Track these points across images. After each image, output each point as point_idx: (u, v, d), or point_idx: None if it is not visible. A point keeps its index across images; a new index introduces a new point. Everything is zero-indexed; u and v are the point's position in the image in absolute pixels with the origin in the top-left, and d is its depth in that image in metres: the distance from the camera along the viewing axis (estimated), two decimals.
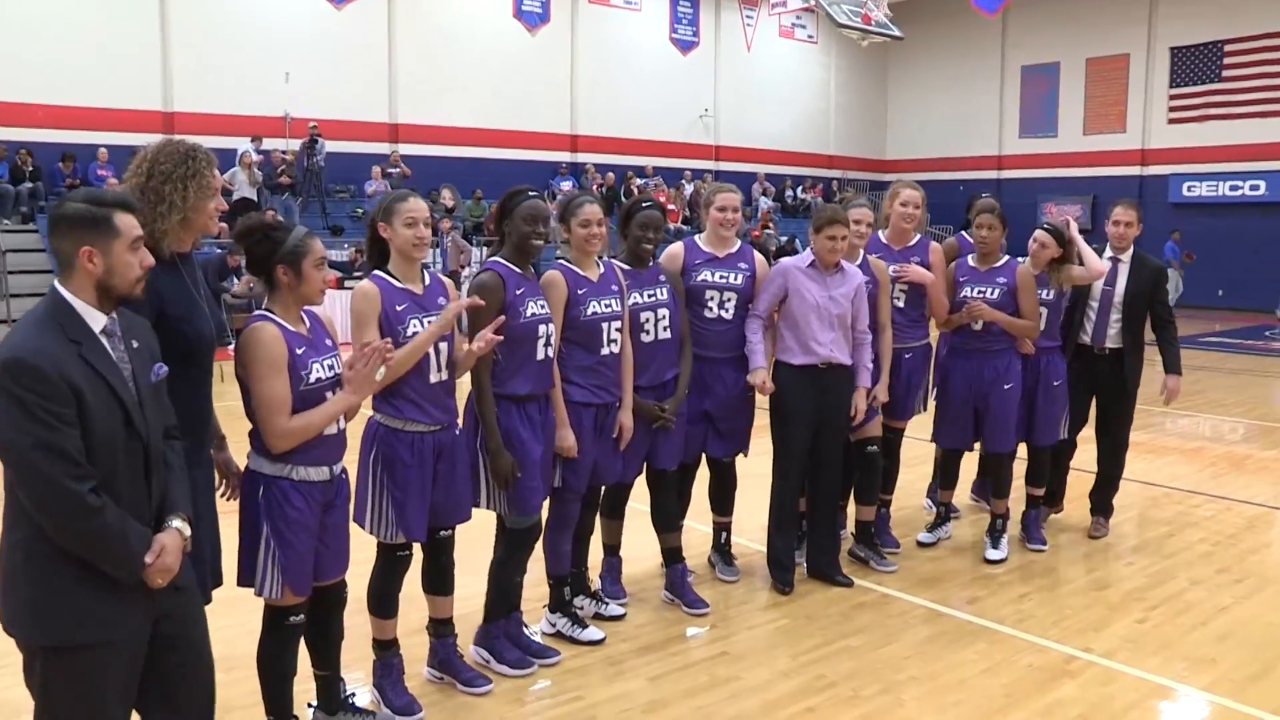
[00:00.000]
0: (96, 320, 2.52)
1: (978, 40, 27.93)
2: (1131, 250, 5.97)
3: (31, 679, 2.55)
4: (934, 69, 29.43)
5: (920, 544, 6.05)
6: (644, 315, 4.73)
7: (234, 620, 3.80)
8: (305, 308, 3.41)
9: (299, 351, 3.26)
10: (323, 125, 18.87)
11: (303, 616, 3.44)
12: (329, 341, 3.45)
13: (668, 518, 5.12)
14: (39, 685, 2.53)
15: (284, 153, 18.68)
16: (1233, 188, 24.06)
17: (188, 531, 2.68)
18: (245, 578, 3.33)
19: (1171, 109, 25.21)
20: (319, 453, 3.33)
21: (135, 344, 2.62)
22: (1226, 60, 24.15)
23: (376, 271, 3.79)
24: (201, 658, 2.79)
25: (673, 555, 5.16)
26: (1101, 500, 6.32)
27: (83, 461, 2.40)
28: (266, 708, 3.51)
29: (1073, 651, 4.60)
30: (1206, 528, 6.50)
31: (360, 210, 18.94)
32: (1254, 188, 23.75)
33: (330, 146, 19.02)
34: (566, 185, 21.83)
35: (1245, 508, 7.08)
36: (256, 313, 3.35)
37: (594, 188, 21.91)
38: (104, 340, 2.53)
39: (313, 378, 3.28)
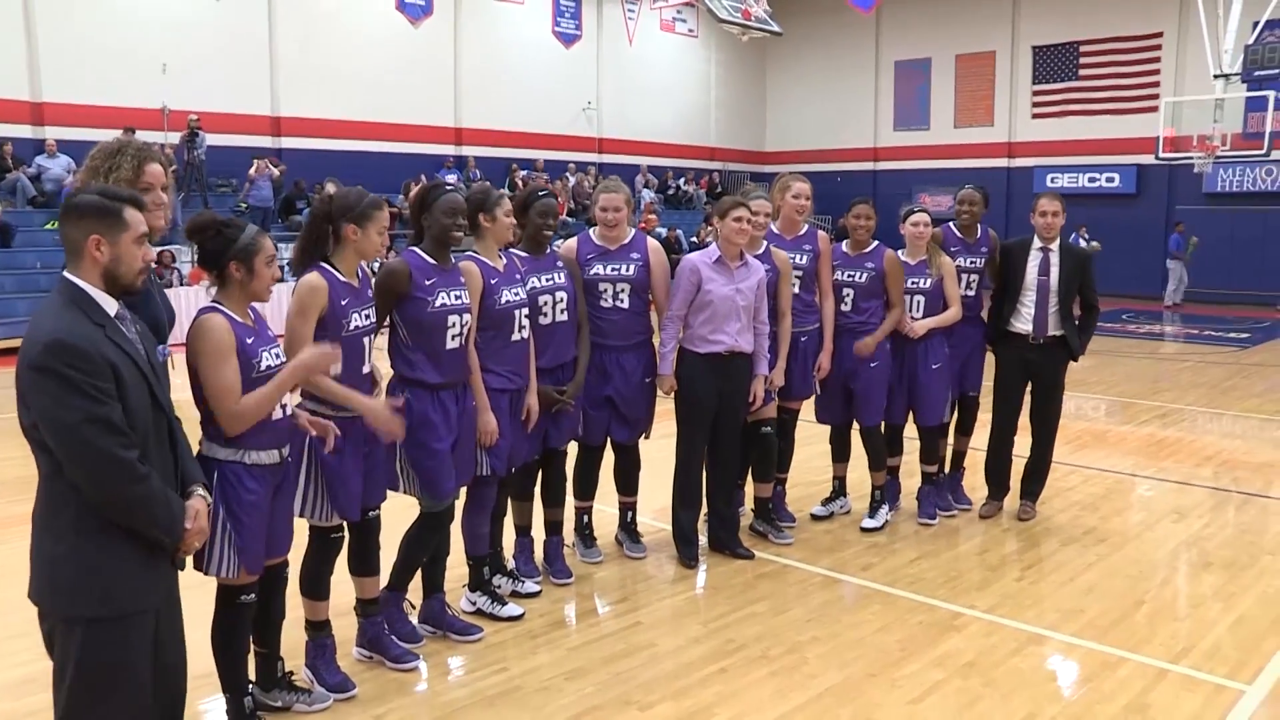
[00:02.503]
0: (110, 305, 2.68)
1: (853, 36, 28.84)
2: (1059, 239, 6.17)
3: (66, 654, 2.65)
4: (811, 64, 30.25)
5: (814, 517, 6.41)
6: (542, 299, 4.94)
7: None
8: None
9: (249, 341, 3.41)
10: (203, 118, 18.44)
11: (254, 595, 3.57)
12: (270, 333, 3.59)
13: (558, 494, 5.42)
14: (76, 657, 2.63)
15: (163, 146, 18.16)
16: (1091, 179, 25.50)
17: (210, 499, 2.89)
18: (198, 562, 3.38)
19: (1035, 104, 26.56)
20: (269, 437, 3.47)
21: (139, 328, 2.79)
22: (1082, 60, 25.58)
23: (323, 264, 3.92)
24: (181, 633, 2.97)
25: (554, 528, 5.45)
26: (1034, 486, 6.50)
27: (128, 432, 2.56)
28: (223, 684, 3.63)
29: (958, 609, 5.00)
30: (1071, 496, 7.04)
31: (245, 205, 18.57)
32: (1110, 180, 25.24)
33: (211, 140, 18.61)
34: (451, 179, 21.75)
35: (1105, 476, 7.69)
36: (206, 304, 3.47)
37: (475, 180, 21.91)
38: (119, 324, 2.69)
39: (263, 365, 3.43)
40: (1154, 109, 23.36)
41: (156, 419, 2.73)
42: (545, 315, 4.96)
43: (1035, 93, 26.45)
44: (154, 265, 14.20)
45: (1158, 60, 24.50)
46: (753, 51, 29.74)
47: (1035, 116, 26.53)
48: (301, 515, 3.94)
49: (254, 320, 3.53)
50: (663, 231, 23.26)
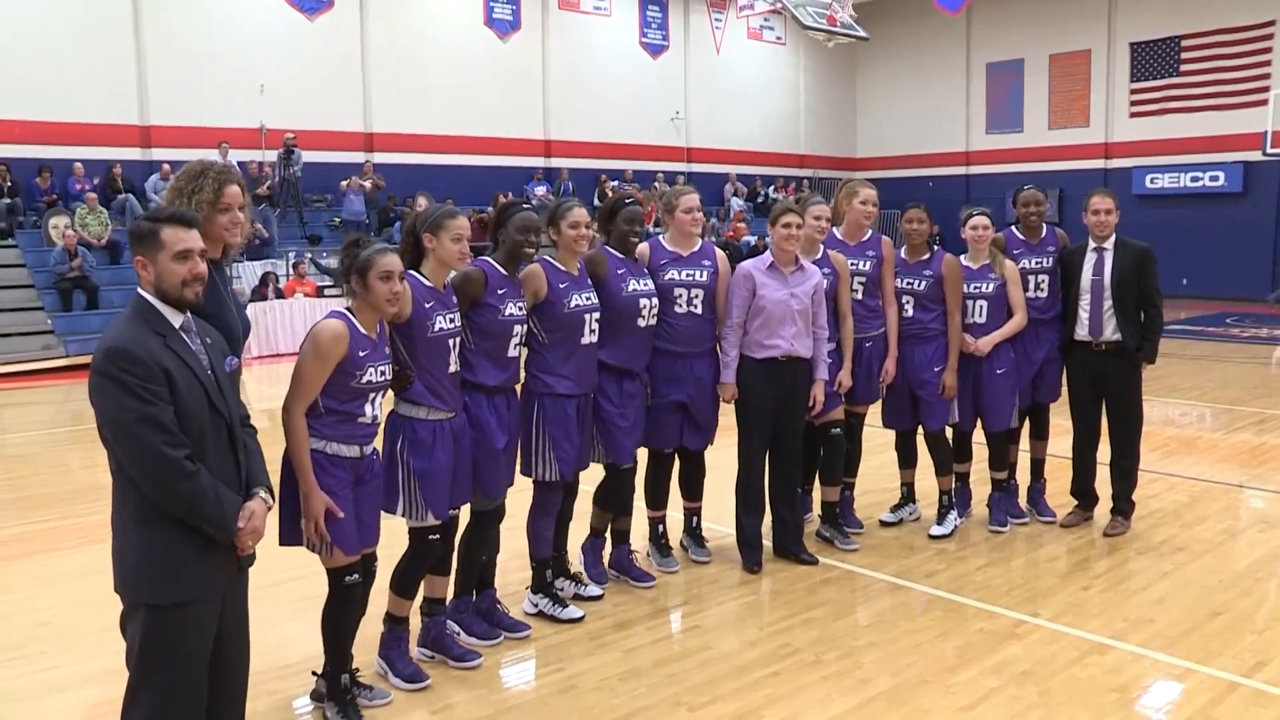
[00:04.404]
0: (175, 318, 2.93)
1: (943, 39, 28.40)
2: (1114, 237, 6.04)
3: (133, 637, 2.91)
4: (901, 68, 29.87)
5: (883, 523, 6.37)
6: (642, 302, 5.09)
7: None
8: None
9: (361, 354, 3.69)
10: (298, 135, 19.06)
11: (358, 576, 3.83)
12: (386, 350, 3.87)
13: (626, 504, 5.50)
14: (138, 641, 2.88)
15: (261, 164, 18.85)
16: (1193, 179, 24.57)
17: (272, 501, 3.10)
18: (289, 539, 3.72)
19: (1133, 103, 25.74)
20: (352, 433, 3.76)
21: (209, 340, 3.03)
22: (1184, 55, 24.71)
23: (409, 272, 4.13)
24: (245, 627, 3.20)
25: (621, 537, 5.52)
26: (1121, 503, 6.25)
27: (177, 431, 2.79)
28: (327, 659, 3.90)
29: (1021, 616, 4.93)
30: (1152, 504, 6.83)
31: (339, 219, 19.14)
32: (1214, 179, 24.26)
33: (306, 156, 19.24)
34: (541, 190, 22.09)
35: (1191, 484, 7.45)
36: (335, 309, 3.78)
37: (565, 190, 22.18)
38: (183, 335, 2.93)
39: (364, 379, 3.71)
40: (1263, 102, 22.48)
41: (215, 423, 2.94)
42: (642, 319, 5.12)
43: (1133, 91, 25.63)
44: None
45: (1268, 50, 23.49)
46: (842, 57, 29.50)
47: (1133, 115, 25.69)
48: (400, 515, 4.15)
49: (378, 334, 3.80)
50: (751, 239, 23.20)
